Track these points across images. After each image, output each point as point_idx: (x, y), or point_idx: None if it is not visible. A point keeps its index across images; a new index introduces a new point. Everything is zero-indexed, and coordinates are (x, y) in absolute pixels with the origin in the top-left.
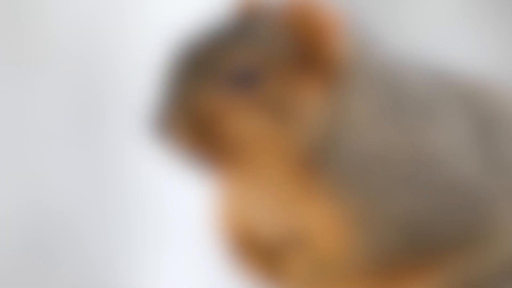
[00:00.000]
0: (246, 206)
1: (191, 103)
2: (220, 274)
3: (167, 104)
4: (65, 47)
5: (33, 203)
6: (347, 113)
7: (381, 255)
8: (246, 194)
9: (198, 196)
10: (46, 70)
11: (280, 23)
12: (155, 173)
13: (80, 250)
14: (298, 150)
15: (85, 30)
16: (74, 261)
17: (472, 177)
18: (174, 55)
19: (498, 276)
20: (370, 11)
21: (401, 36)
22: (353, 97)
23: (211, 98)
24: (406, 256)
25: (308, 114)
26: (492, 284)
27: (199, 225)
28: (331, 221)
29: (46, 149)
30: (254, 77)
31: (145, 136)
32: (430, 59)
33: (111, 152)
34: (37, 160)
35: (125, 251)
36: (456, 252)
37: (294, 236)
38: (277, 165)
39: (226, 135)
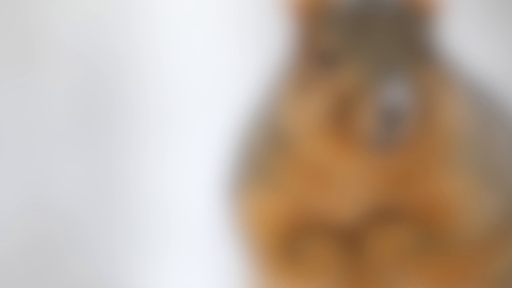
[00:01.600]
0: (317, 194)
1: None
2: (224, 275)
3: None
4: (71, 47)
5: (38, 201)
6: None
7: (490, 225)
8: (337, 173)
9: (202, 197)
10: (52, 70)
11: None
12: (160, 173)
13: (84, 249)
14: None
15: (92, 30)
16: (77, 259)
17: None
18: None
19: None
20: None
21: None
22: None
23: None
24: (506, 226)
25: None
26: None
27: (204, 226)
28: (453, 194)
29: (52, 148)
30: None
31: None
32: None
33: (116, 152)
34: (42, 159)
35: (129, 250)
36: None
37: (390, 214)
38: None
39: None
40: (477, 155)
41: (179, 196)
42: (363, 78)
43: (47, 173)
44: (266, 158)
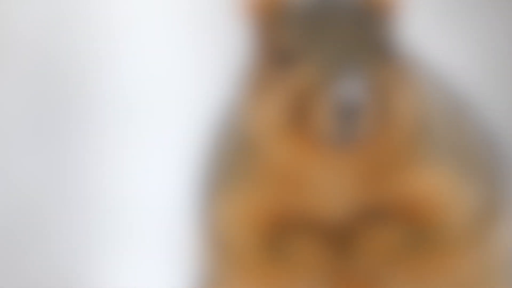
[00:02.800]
0: (305, 189)
1: None
2: (183, 274)
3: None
4: (28, 44)
5: None
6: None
7: (472, 217)
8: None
9: (163, 195)
10: (8, 65)
11: None
12: (119, 170)
13: (41, 245)
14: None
15: (49, 27)
16: (35, 255)
17: None
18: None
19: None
20: None
21: None
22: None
23: None
24: (487, 216)
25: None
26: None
27: (166, 225)
28: (432, 188)
29: (8, 145)
30: None
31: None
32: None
33: (76, 148)
34: (1, 156)
35: (87, 246)
36: None
37: (375, 212)
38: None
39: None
40: (449, 148)
41: (140, 193)
42: (319, 75)
43: (3, 169)
44: (236, 162)
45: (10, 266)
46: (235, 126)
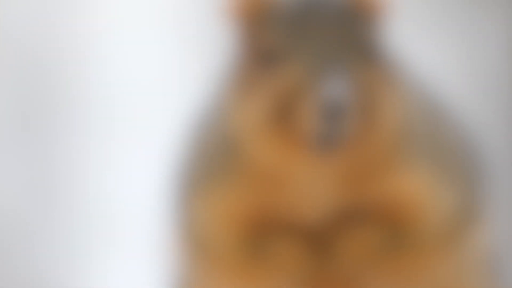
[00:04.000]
0: (287, 189)
1: None
2: (164, 274)
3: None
4: (14, 44)
5: None
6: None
7: (450, 218)
8: (301, 172)
9: (147, 197)
10: None
11: None
12: (102, 173)
13: (25, 250)
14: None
15: (34, 28)
16: (18, 260)
17: None
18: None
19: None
20: None
21: None
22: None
23: None
24: (464, 218)
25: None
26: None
27: (147, 227)
28: (412, 190)
29: None
30: None
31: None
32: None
33: (59, 150)
34: None
35: (71, 251)
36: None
37: (355, 213)
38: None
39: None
40: (429, 151)
41: (123, 196)
42: (304, 76)
43: None
44: (218, 161)
45: None
46: (218, 126)
